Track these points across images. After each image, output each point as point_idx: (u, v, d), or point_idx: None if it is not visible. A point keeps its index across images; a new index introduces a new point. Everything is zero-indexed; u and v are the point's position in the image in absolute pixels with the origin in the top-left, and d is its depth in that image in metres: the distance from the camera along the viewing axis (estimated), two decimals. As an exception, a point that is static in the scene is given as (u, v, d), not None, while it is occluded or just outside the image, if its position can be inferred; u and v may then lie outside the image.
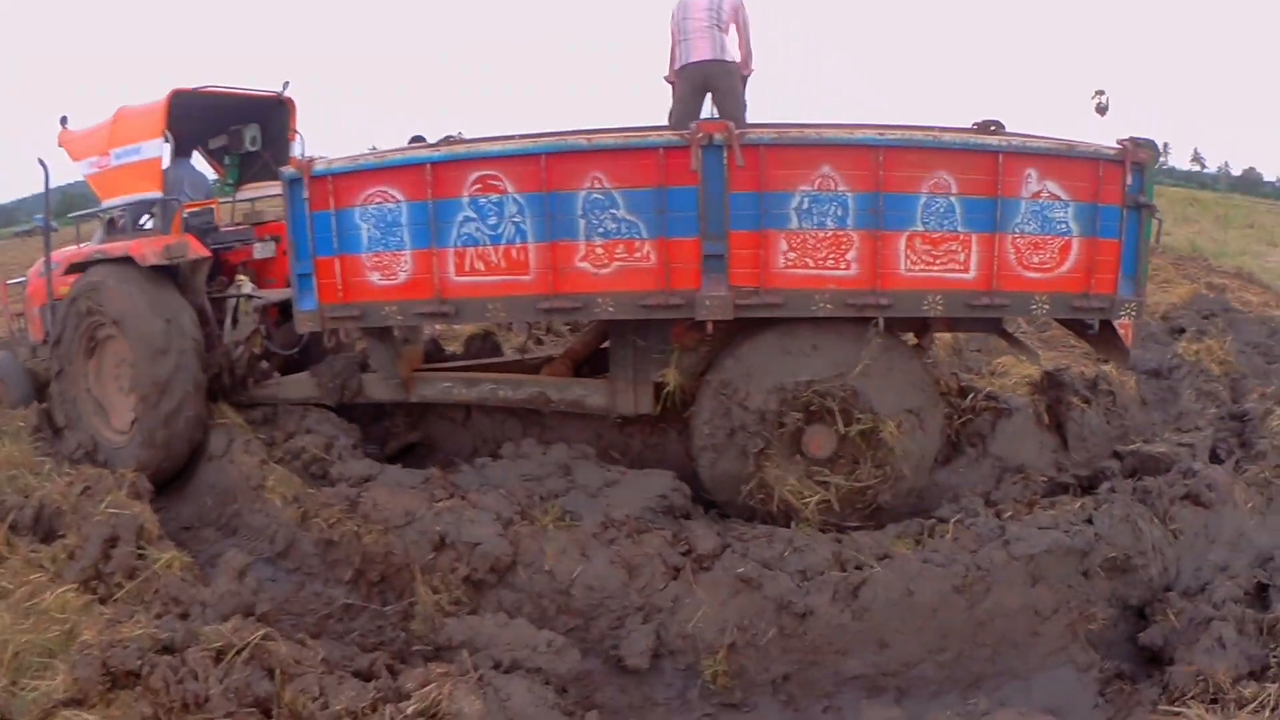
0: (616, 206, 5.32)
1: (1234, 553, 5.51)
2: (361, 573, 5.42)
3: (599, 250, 5.39)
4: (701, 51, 6.60)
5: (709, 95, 6.67)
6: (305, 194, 5.72)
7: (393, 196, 5.59)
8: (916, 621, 4.81)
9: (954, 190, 5.20)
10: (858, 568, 4.92)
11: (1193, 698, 4.26)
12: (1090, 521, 5.10)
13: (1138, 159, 5.26)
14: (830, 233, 5.26)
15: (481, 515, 5.28)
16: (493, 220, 5.46)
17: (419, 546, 5.26)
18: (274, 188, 7.19)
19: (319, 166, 5.72)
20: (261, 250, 7.48)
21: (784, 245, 5.29)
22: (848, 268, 5.29)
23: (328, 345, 6.26)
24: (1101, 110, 6.17)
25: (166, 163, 7.03)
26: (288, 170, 5.81)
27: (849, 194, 5.20)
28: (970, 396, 6.81)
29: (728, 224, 5.25)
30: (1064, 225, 5.28)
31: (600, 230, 5.36)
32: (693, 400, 5.91)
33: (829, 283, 5.30)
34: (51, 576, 5.08)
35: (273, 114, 7.93)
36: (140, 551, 5.26)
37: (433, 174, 5.47)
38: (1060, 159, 5.28)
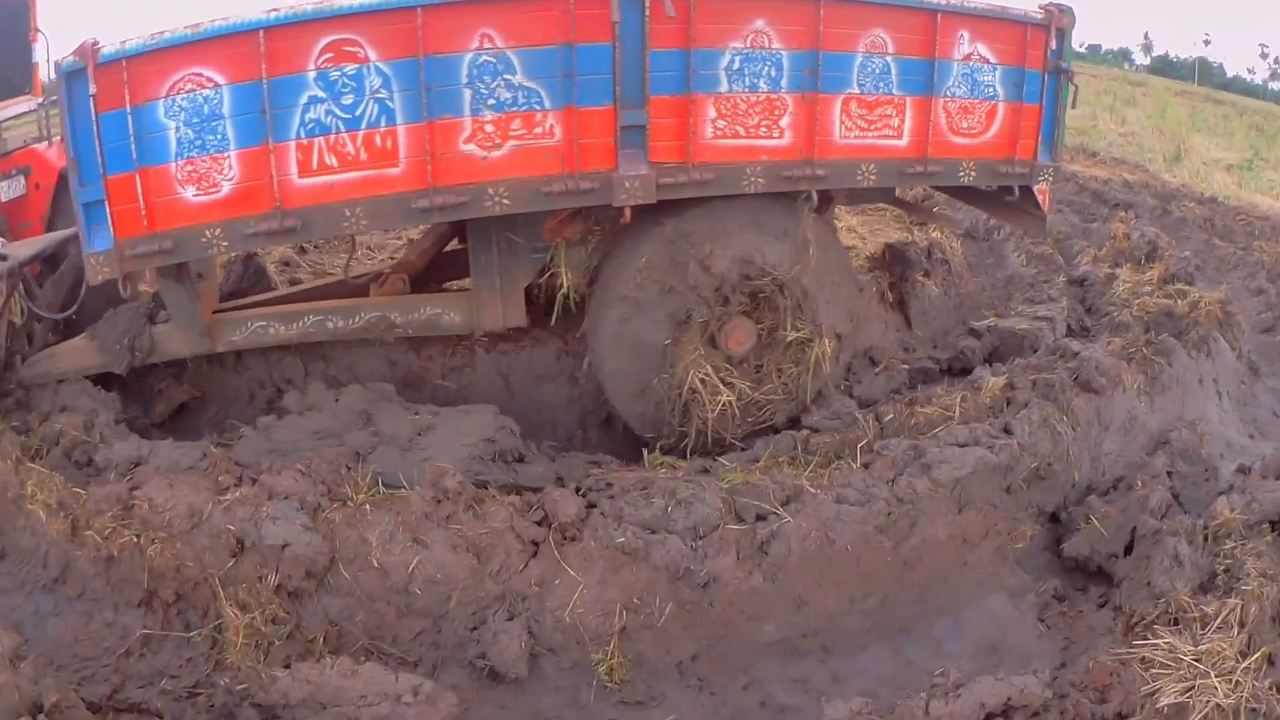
0: (512, 71, 4.52)
1: (1127, 439, 5.31)
2: (154, 593, 4.36)
3: (489, 127, 4.56)
4: None
5: None
6: (91, 89, 4.38)
7: (211, 80, 4.42)
8: (837, 572, 4.25)
9: (890, 50, 4.96)
10: (760, 517, 4.27)
11: (1154, 622, 3.98)
12: (1008, 431, 4.70)
13: (1061, 24, 5.23)
14: (763, 96, 4.83)
15: (282, 506, 4.27)
16: (349, 99, 4.45)
17: (214, 554, 4.22)
18: (14, 105, 6.27)
19: (109, 50, 4.35)
20: (7, 189, 6.31)
21: (713, 112, 4.78)
22: (781, 136, 4.90)
23: (124, 294, 4.92)
24: None
25: None
26: (67, 61, 4.45)
27: (784, 52, 4.80)
28: None
29: (648, 88, 4.61)
30: (991, 89, 5.24)
31: (491, 102, 4.53)
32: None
33: (761, 154, 4.89)
34: None
35: None
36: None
37: (267, 43, 4.33)
38: (992, 21, 5.17)
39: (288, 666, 4.10)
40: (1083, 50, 62.37)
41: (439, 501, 4.28)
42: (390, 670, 3.81)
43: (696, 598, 4.12)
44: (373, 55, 4.40)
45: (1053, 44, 5.23)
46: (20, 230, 6.33)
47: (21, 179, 6.38)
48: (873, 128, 5.03)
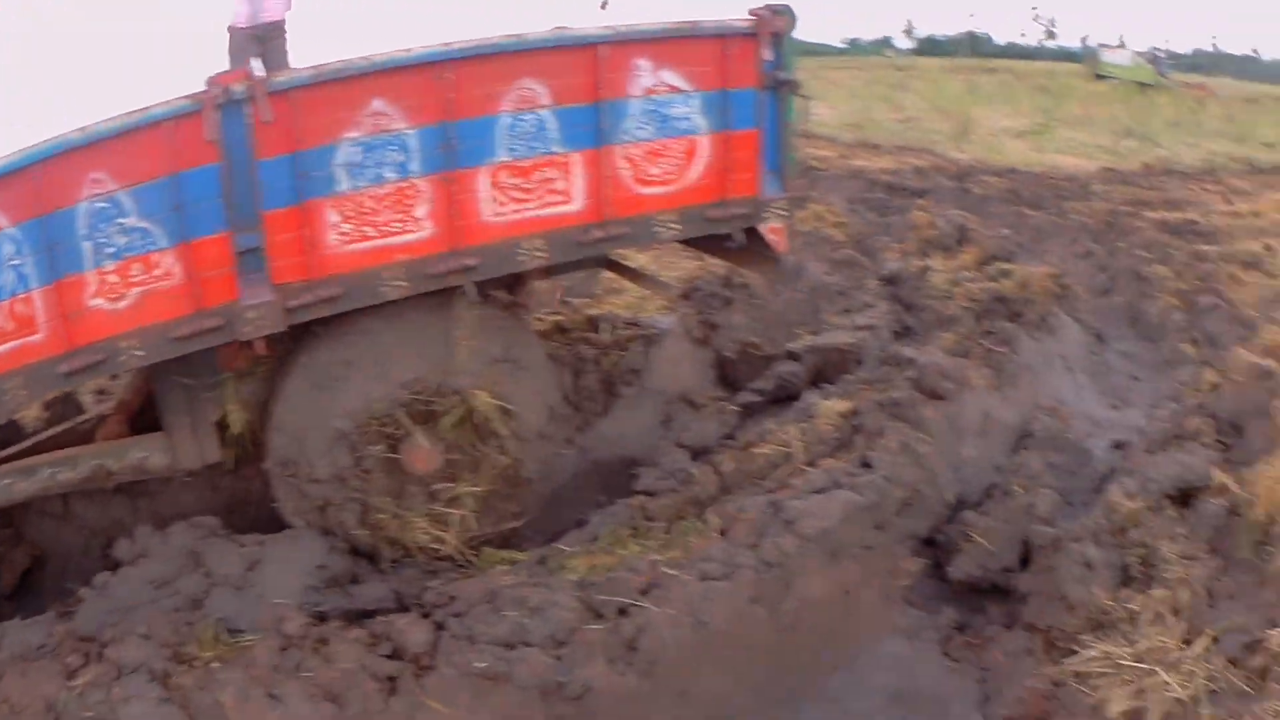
0: (124, 214, 4.27)
1: (986, 440, 5.41)
2: None
3: (112, 278, 4.33)
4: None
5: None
6: None
7: None
8: (716, 654, 4.14)
9: (544, 101, 4.57)
10: (621, 611, 4.14)
11: (1079, 633, 4.00)
12: (868, 465, 4.70)
13: (775, 28, 4.81)
14: (392, 187, 4.48)
15: (132, 682, 4.05)
16: None
17: None
18: None
19: None
20: None
21: (333, 216, 4.45)
22: (419, 228, 4.55)
23: None
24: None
25: None
26: None
27: (410, 131, 4.45)
28: (607, 329, 6.31)
29: (259, 203, 4.33)
30: (687, 123, 4.80)
31: (110, 250, 4.28)
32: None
33: (398, 252, 4.54)
34: None
35: None
36: None
37: None
38: (677, 42, 4.73)
39: None
40: (843, 45, 66.16)
41: (284, 650, 4.09)
42: None
43: (574, 712, 3.96)
44: (2, 221, 4.19)
45: (767, 54, 4.82)
46: None
47: None
48: (533, 196, 4.66)
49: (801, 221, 9.10)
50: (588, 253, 4.92)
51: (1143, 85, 27.12)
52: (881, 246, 8.38)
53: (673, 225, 4.87)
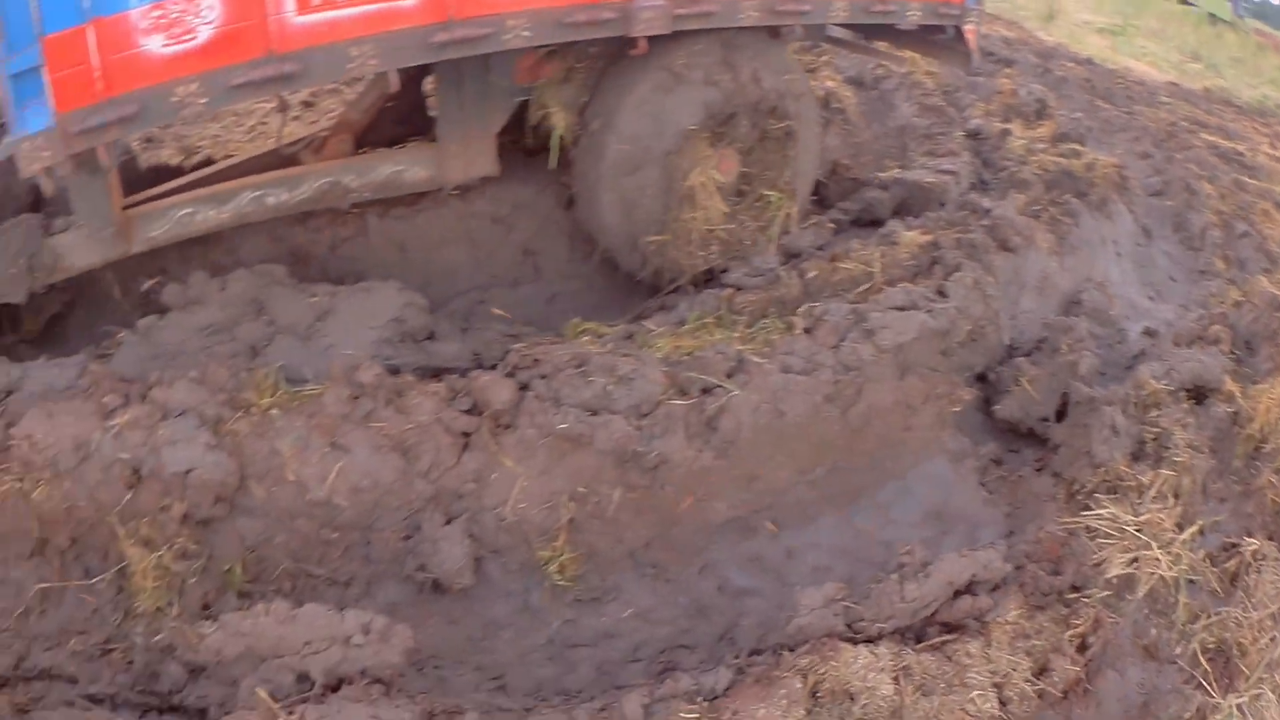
0: None
1: (1042, 298, 5.73)
2: (45, 541, 4.16)
3: None
4: None
5: None
6: None
7: None
8: (787, 444, 4.45)
9: None
10: (705, 391, 4.42)
11: (1095, 490, 4.41)
12: (943, 294, 5.01)
13: None
14: None
15: (179, 425, 4.11)
16: None
17: (108, 489, 4.04)
18: None
19: None
20: None
21: None
22: None
23: (47, 195, 4.44)
24: None
25: None
26: None
27: None
28: None
29: None
30: None
31: None
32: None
33: None
34: None
35: None
36: None
37: None
38: None
39: (207, 607, 4.02)
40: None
41: (356, 399, 4.21)
42: (333, 609, 3.66)
43: (646, 481, 4.23)
44: None
45: None
46: None
47: None
48: None
49: (897, 62, 9.31)
50: (868, 18, 5.72)
51: (1215, 18, 27.00)
52: (968, 103, 8.62)
53: (918, 11, 5.80)
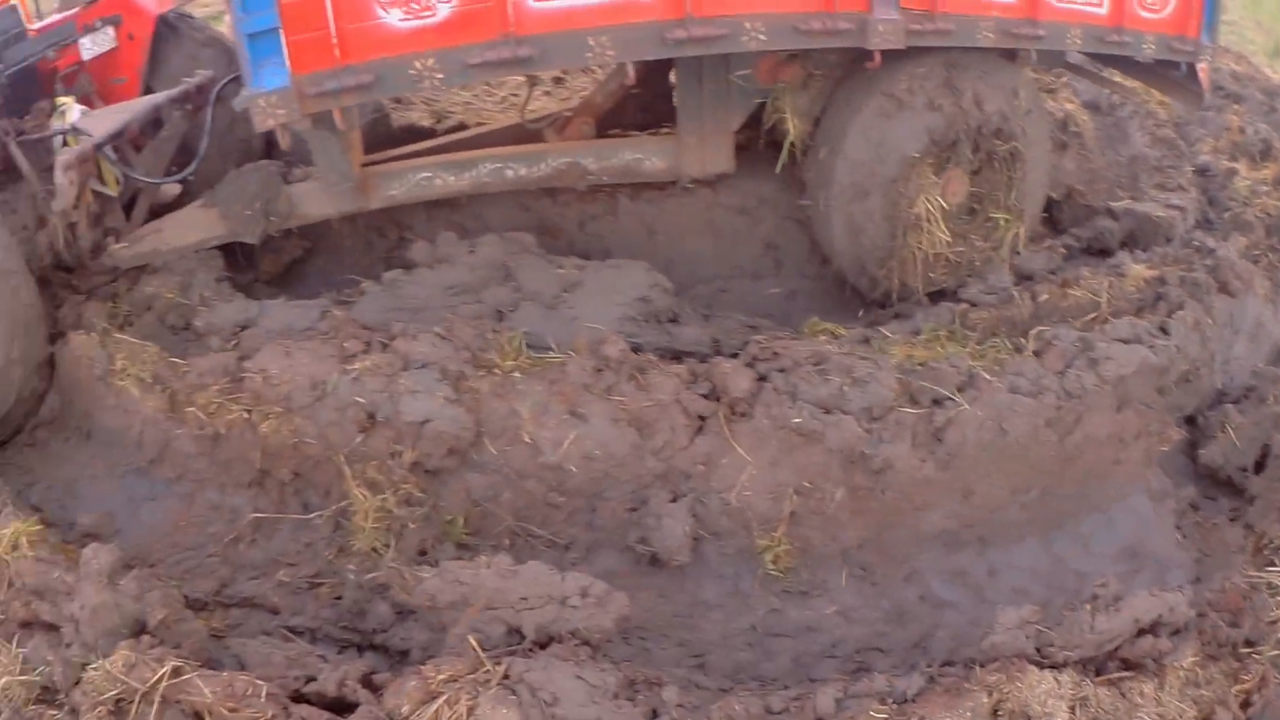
0: None
1: (1254, 345, 5.69)
2: (266, 473, 4.41)
3: None
4: None
5: None
6: None
7: None
8: (1005, 463, 4.51)
9: None
10: (935, 401, 4.50)
11: None
12: (1165, 331, 5.00)
13: None
14: None
15: (421, 376, 4.32)
16: None
17: (340, 429, 4.28)
18: None
19: None
20: (93, 45, 6.02)
21: None
22: None
23: (283, 146, 4.75)
24: None
25: None
26: None
27: None
28: None
29: None
30: None
31: None
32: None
33: (993, 9, 5.22)
34: None
35: None
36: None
37: None
38: None
39: (423, 553, 4.22)
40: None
41: (599, 371, 4.38)
42: (555, 569, 3.79)
43: (869, 484, 4.34)
44: None
45: None
46: (113, 87, 6.15)
47: (110, 31, 6.12)
48: None
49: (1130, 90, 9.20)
50: (1102, 49, 5.72)
51: None
52: (1197, 137, 8.48)
53: (1152, 45, 5.77)
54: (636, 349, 4.60)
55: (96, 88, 6.06)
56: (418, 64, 4.37)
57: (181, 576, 4.26)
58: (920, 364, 4.63)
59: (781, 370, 4.52)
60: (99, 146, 5.00)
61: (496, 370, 4.41)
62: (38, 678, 3.56)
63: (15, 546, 4.06)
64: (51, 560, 3.99)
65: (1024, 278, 5.54)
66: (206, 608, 4.18)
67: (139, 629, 3.65)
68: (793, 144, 5.53)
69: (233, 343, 4.61)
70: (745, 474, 4.29)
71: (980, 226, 5.66)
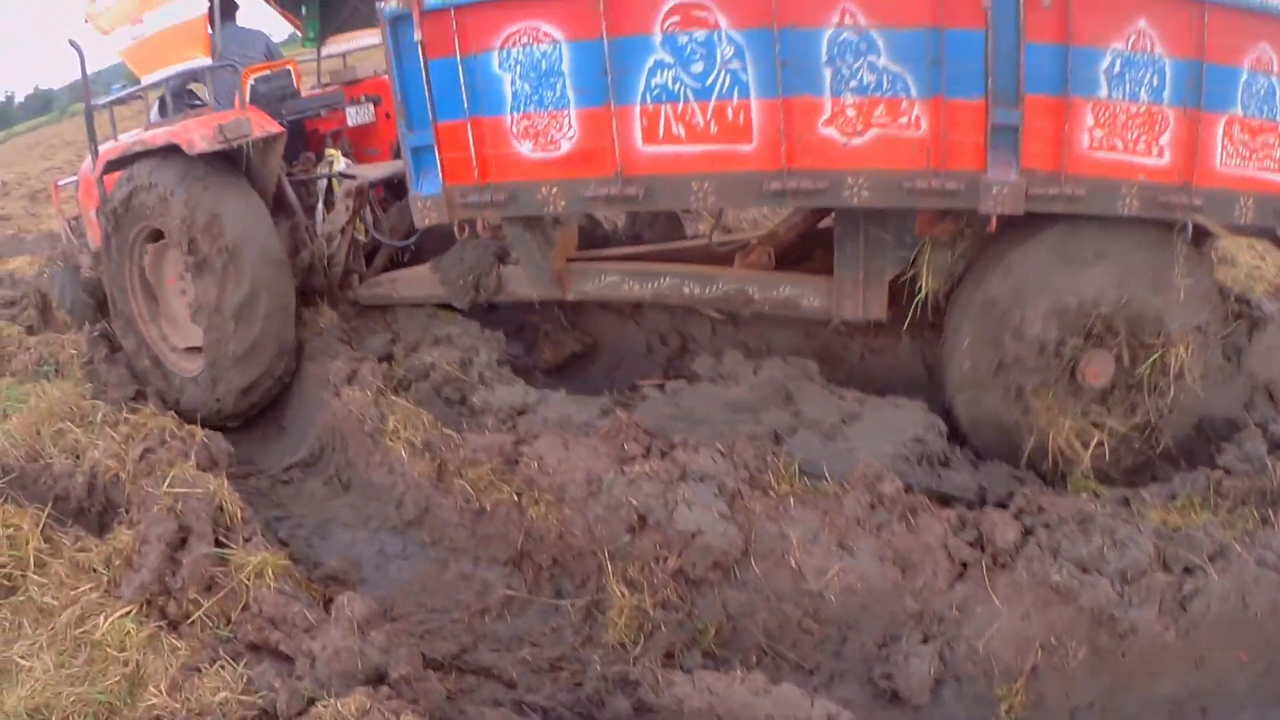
0: (876, 52, 4.58)
1: None
2: (526, 554, 4.60)
3: (850, 111, 4.67)
4: None
5: None
6: (417, 36, 4.97)
7: (548, 34, 4.83)
8: (1241, 635, 4.56)
9: (1277, 69, 4.75)
10: (1186, 569, 4.55)
11: None
12: None
13: None
14: (1144, 107, 4.71)
15: (698, 489, 4.45)
16: (698, 67, 4.74)
17: (608, 526, 4.44)
18: (367, 37, 7.29)
19: None
20: (357, 115, 7.15)
21: (1090, 119, 4.69)
22: (1160, 155, 4.77)
23: (458, 236, 5.44)
24: None
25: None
26: (389, 6, 5.01)
27: (1165, 58, 4.65)
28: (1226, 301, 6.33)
29: (1023, 85, 4.58)
30: None
31: (853, 84, 4.64)
32: (943, 309, 5.31)
33: (1139, 172, 4.79)
34: (106, 589, 4.20)
35: None
36: (220, 549, 4.24)
37: (606, 1, 4.67)
38: None
39: (670, 656, 4.34)
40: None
41: (873, 507, 4.46)
42: (805, 694, 3.91)
43: (1112, 645, 4.41)
44: (723, 22, 4.56)
45: None
46: (366, 156, 7.06)
47: (371, 107, 7.19)
48: (1254, 156, 4.89)
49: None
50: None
51: None
52: None
53: None
54: (908, 488, 4.66)
55: (354, 153, 6.91)
56: (544, 190, 5.01)
57: (422, 635, 4.43)
58: (1175, 529, 4.66)
59: (1046, 525, 4.59)
60: (369, 185, 5.76)
61: (771, 492, 4.53)
62: (259, 699, 3.75)
63: (260, 575, 4.27)
64: (294, 595, 4.21)
65: (1275, 446, 5.53)
66: (442, 669, 4.32)
67: (378, 679, 3.82)
68: (920, 302, 5.38)
69: (509, 425, 4.74)
70: (997, 624, 4.36)
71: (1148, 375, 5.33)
